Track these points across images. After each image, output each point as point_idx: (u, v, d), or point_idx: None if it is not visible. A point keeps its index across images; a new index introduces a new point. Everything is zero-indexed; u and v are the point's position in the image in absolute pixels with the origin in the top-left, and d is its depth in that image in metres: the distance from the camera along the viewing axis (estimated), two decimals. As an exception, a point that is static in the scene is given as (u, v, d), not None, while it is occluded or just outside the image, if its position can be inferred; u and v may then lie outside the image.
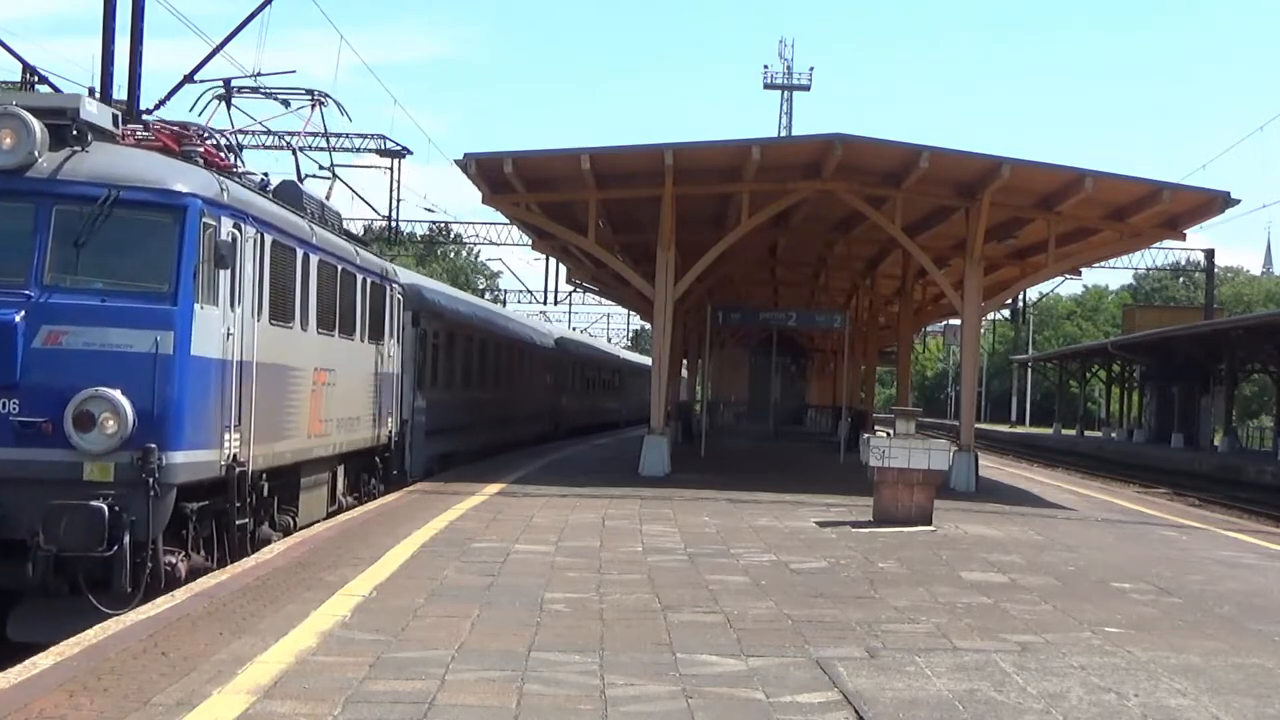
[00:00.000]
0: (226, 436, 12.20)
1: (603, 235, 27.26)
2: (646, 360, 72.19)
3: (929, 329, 69.16)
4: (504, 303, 71.67)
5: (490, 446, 29.88)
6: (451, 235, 71.60)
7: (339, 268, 16.67)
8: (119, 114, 12.82)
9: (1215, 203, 23.33)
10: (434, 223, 64.74)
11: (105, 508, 10.45)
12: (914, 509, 16.86)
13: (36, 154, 11.20)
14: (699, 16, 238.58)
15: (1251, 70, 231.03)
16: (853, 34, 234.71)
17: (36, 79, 19.80)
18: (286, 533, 14.57)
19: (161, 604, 9.78)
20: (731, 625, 9.60)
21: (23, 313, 10.83)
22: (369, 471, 19.75)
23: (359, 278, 17.95)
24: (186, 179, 11.82)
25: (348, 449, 17.65)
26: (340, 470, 17.76)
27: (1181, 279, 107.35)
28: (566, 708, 7.09)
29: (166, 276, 11.29)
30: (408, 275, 23.94)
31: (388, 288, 20.17)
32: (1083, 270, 36.26)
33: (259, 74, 19.05)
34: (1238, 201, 22.97)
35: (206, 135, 14.29)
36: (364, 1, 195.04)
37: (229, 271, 12.20)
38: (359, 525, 15.10)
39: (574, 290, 56.99)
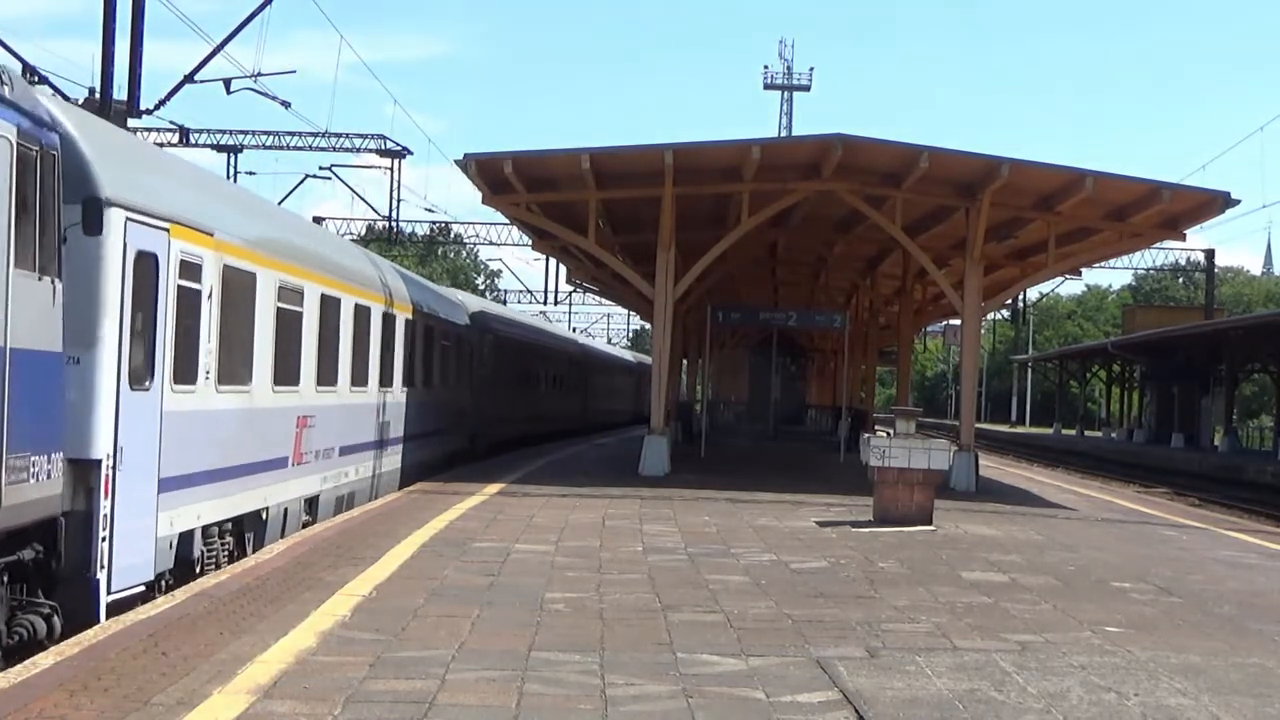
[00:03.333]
0: None
1: (603, 235, 27.26)
2: (622, 353, 71.25)
3: (929, 329, 69.18)
4: (504, 302, 71.58)
5: (340, 490, 17.62)
6: (451, 235, 71.63)
7: None
8: None
9: (1215, 203, 23.36)
10: (434, 223, 64.81)
11: None
12: (914, 509, 16.87)
13: None
14: (699, 16, 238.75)
15: (1252, 70, 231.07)
16: (853, 34, 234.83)
17: (36, 79, 19.83)
18: None
19: (161, 604, 9.78)
20: (731, 625, 9.60)
21: None
22: None
23: None
24: None
25: None
26: None
27: (1181, 279, 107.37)
28: (566, 707, 7.08)
29: None
30: (73, 114, 10.64)
31: None
32: (1083, 270, 36.28)
33: (259, 74, 18.86)
34: (1238, 201, 23.00)
35: None
36: (364, 1, 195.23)
37: None
38: (359, 525, 15.09)
39: (574, 290, 57.03)
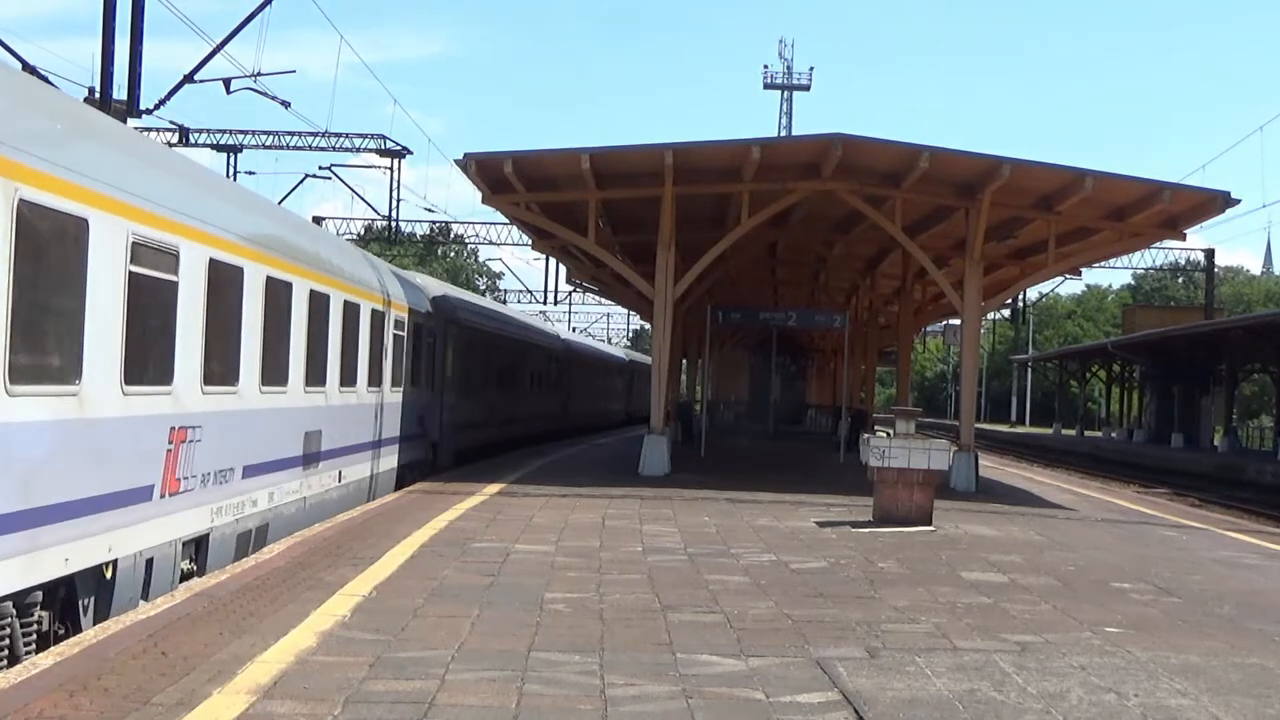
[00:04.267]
0: None
1: (603, 235, 27.25)
2: (613, 350, 70.88)
3: (929, 329, 69.18)
4: (504, 302, 71.59)
5: (244, 525, 13.52)
6: (451, 235, 71.61)
7: None
8: None
9: (1215, 202, 23.34)
10: (434, 223, 64.79)
11: None
12: (914, 509, 16.87)
13: None
14: (699, 16, 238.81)
15: (1252, 70, 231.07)
16: (853, 34, 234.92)
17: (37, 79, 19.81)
18: None
19: (161, 604, 9.77)
20: (731, 625, 9.59)
21: None
22: None
23: None
24: None
25: None
26: None
27: (1181, 279, 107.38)
28: (566, 708, 7.08)
29: None
30: None
31: None
32: (1083, 270, 36.28)
33: (258, 74, 18.73)
34: (1238, 201, 22.99)
35: None
36: (364, 1, 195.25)
37: None
38: (359, 525, 15.09)
39: (574, 290, 57.00)
